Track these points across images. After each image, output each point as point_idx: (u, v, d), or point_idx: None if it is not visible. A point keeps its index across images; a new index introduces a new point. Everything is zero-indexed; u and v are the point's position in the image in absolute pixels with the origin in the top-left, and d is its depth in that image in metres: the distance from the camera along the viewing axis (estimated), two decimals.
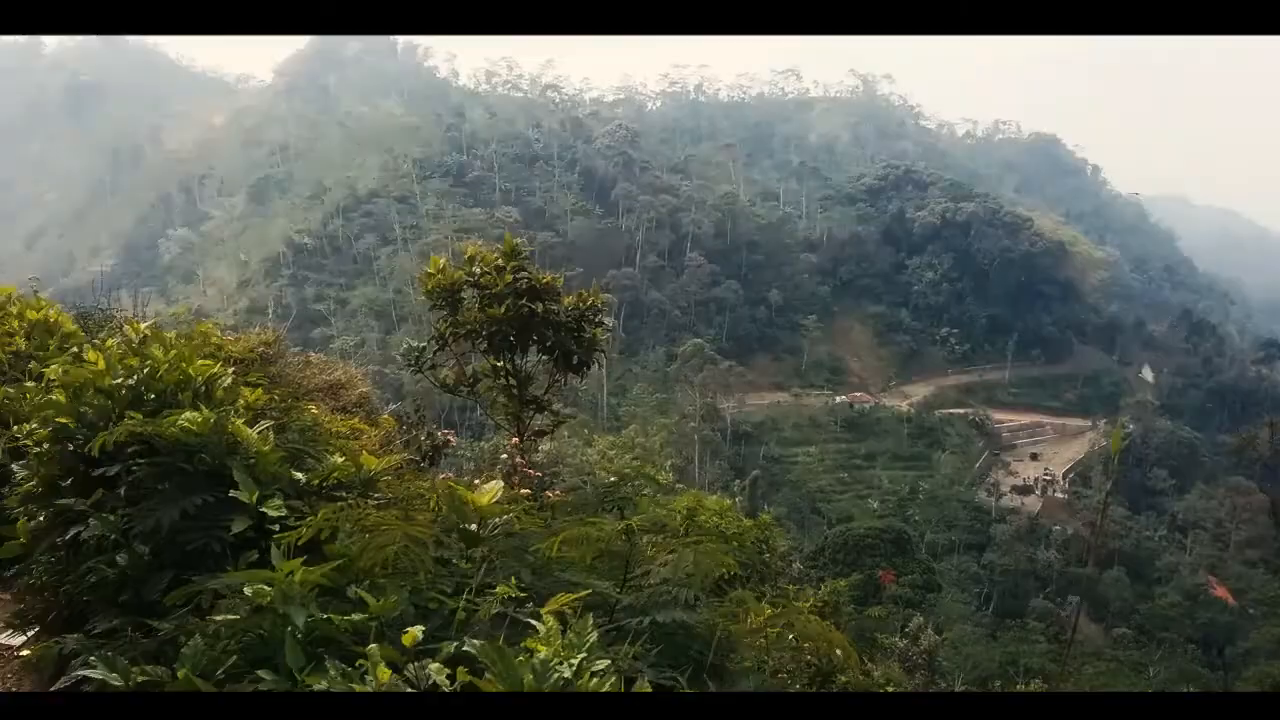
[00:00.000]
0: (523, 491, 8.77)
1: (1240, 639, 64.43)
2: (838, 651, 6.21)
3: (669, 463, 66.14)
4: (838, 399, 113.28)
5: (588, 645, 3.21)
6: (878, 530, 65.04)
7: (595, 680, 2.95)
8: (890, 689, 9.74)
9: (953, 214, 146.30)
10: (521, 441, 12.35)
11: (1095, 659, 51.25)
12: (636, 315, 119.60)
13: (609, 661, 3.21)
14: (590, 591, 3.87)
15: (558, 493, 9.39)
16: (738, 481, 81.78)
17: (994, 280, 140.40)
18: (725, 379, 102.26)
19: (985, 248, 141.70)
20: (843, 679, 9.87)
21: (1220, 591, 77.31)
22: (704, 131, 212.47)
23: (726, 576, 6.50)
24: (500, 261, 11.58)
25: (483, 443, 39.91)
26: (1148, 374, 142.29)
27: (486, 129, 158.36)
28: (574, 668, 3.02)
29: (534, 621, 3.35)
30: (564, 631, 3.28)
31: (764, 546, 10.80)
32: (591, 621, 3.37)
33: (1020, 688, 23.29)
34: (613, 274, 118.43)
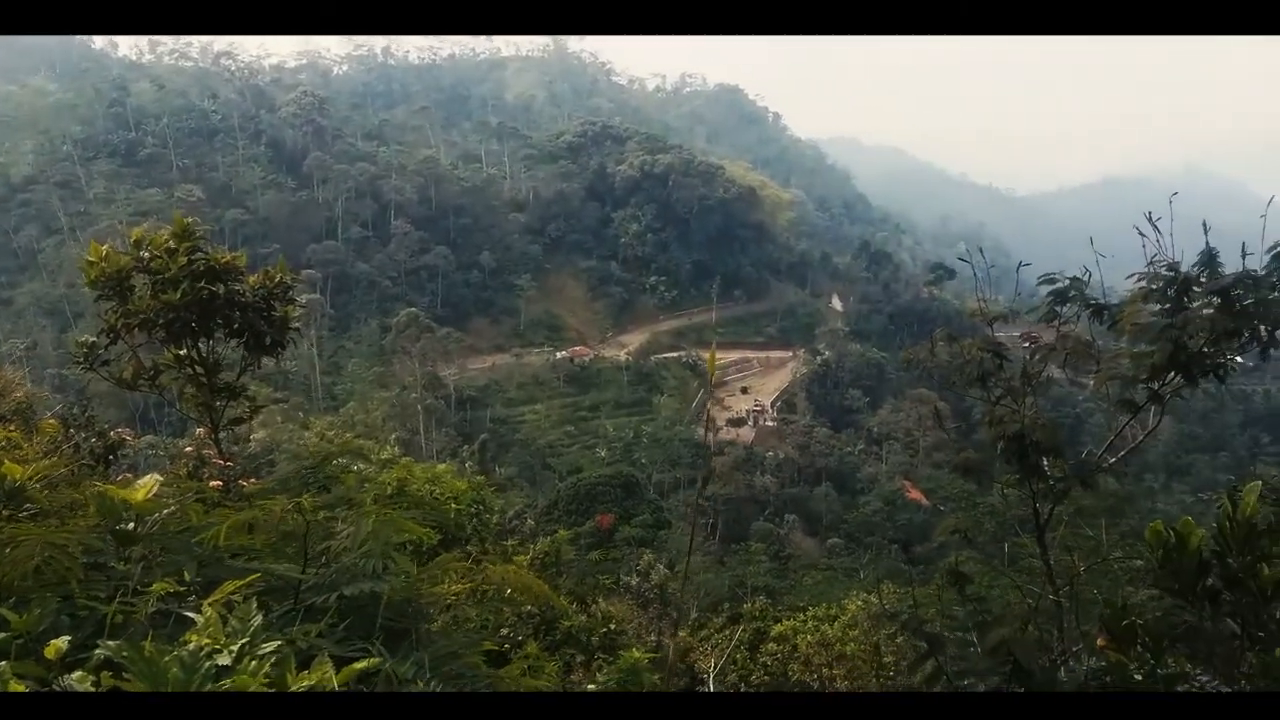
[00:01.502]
0: (213, 484, 8.30)
1: (933, 535, 71.34)
2: (558, 599, 6.33)
3: (393, 436, 64.77)
4: (558, 355, 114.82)
5: (251, 630, 3.11)
6: (607, 477, 66.75)
7: (255, 663, 2.87)
8: (613, 626, 10.09)
9: (651, 166, 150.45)
10: (217, 432, 11.67)
11: (812, 570, 55.11)
12: (344, 289, 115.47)
13: (279, 643, 3.13)
14: (259, 575, 3.74)
15: (253, 481, 8.96)
16: (466, 447, 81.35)
17: (695, 227, 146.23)
18: (444, 346, 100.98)
19: (684, 197, 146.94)
20: (566, 623, 10.16)
21: (914, 494, 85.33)
22: (397, 95, 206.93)
23: (438, 541, 6.46)
24: (171, 243, 10.75)
25: (182, 439, 37.40)
26: (837, 303, 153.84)
27: (156, 103, 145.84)
28: (233, 654, 2.93)
29: (194, 615, 3.21)
30: (226, 620, 3.16)
31: (481, 507, 10.82)
32: (256, 606, 3.26)
33: (748, 606, 24.55)
34: (314, 248, 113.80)
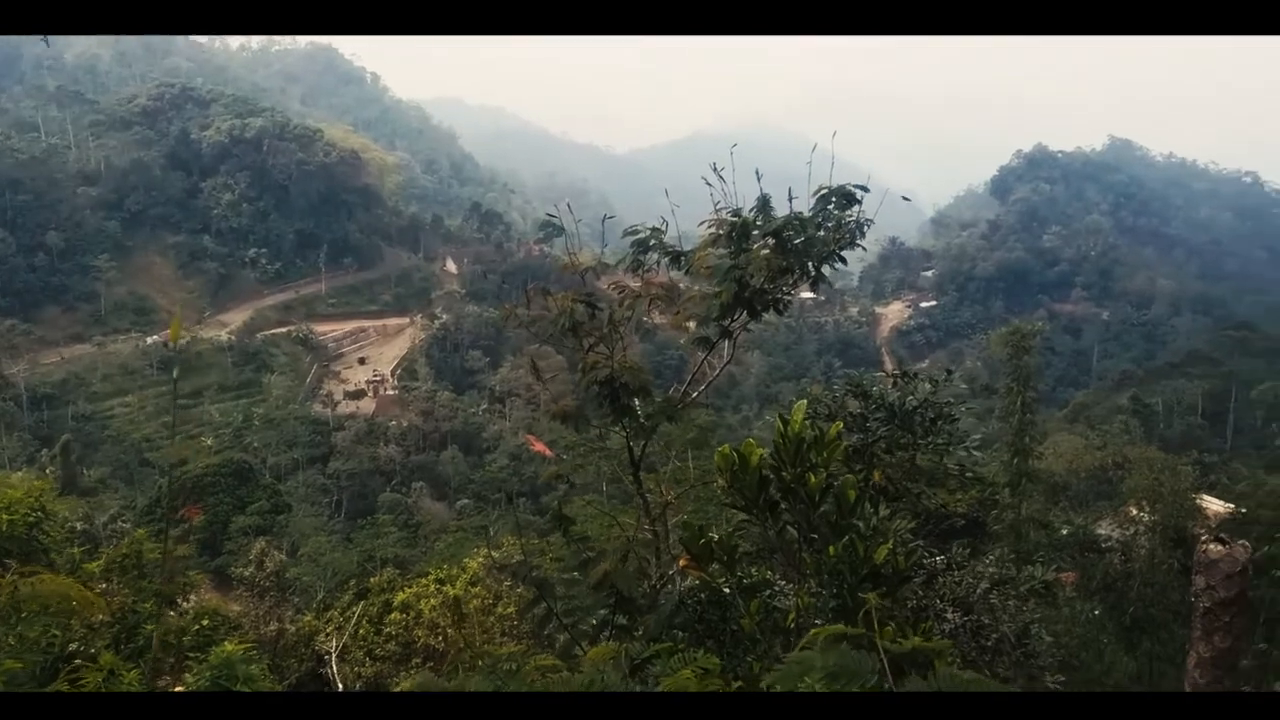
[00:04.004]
0: None
1: (575, 484, 73.76)
2: (103, 603, 5.67)
3: None
4: (149, 340, 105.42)
5: None
6: (216, 467, 62.59)
7: None
8: (206, 622, 9.35)
9: (241, 131, 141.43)
10: None
11: (444, 533, 55.13)
12: None
13: None
14: None
15: None
16: (45, 451, 72.68)
17: (295, 194, 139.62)
18: (9, 340, 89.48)
19: (281, 163, 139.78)
20: (150, 627, 9.25)
21: (539, 446, 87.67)
22: None
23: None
24: None
25: None
26: (451, 266, 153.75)
27: None
28: None
29: None
30: None
31: (41, 515, 9.52)
32: None
33: (375, 579, 24.07)
34: None
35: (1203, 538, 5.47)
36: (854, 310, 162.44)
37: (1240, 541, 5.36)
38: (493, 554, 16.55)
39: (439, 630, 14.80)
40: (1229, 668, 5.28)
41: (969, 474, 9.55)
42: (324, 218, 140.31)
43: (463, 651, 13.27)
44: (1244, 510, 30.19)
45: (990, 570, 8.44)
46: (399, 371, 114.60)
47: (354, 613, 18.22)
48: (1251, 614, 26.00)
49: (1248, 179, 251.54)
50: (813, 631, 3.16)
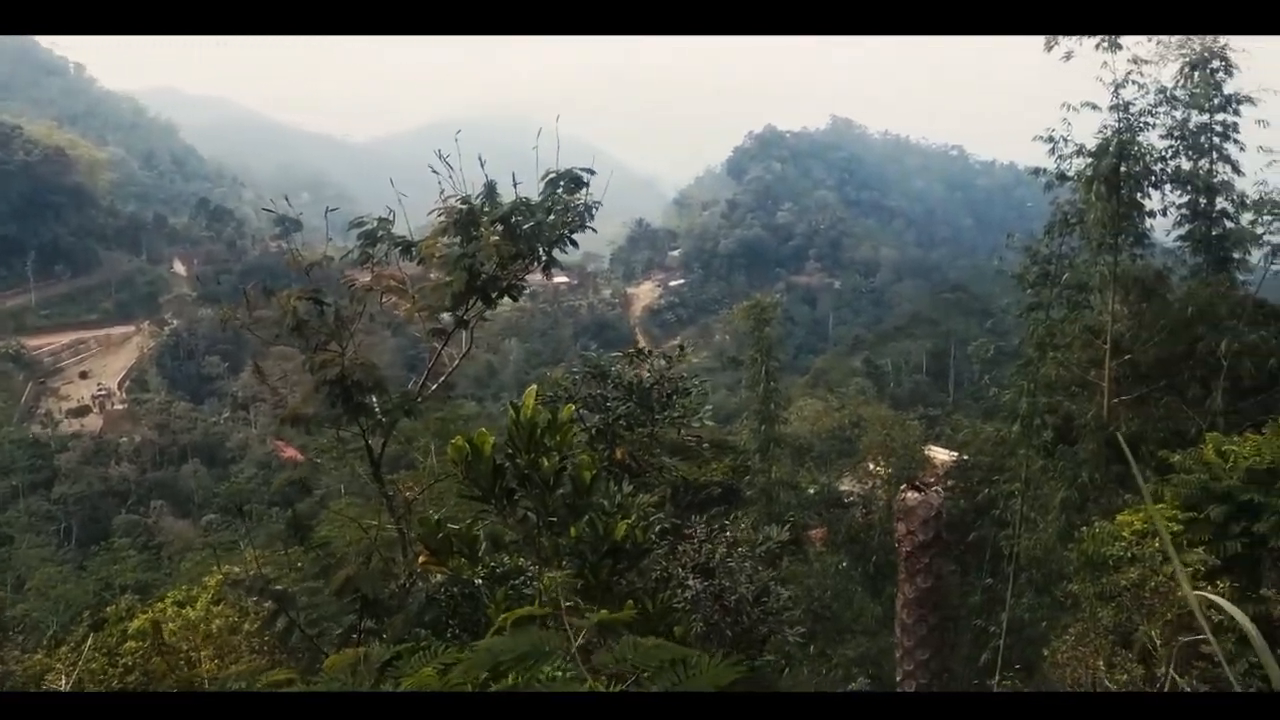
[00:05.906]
0: None
1: (314, 489, 70.94)
2: None
3: None
4: None
5: None
6: None
7: None
8: None
9: None
10: None
11: (190, 552, 52.02)
12: None
13: None
14: None
15: None
16: None
17: None
18: None
19: None
20: None
21: (289, 452, 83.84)
22: None
23: None
24: None
25: None
26: (180, 267, 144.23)
27: None
28: None
29: None
30: None
31: None
32: None
33: (112, 608, 22.42)
34: None
35: (901, 487, 5.94)
36: (607, 292, 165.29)
37: (934, 487, 5.85)
38: (231, 570, 15.76)
39: (180, 656, 13.97)
40: (933, 606, 5.77)
41: (705, 444, 9.88)
42: (29, 221, 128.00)
43: (166, 677, 12.61)
44: (966, 457, 32.98)
45: (728, 534, 8.83)
46: (127, 384, 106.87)
47: (86, 647, 16.89)
48: (978, 552, 28.58)
49: (954, 152, 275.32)
50: (501, 617, 3.18)
